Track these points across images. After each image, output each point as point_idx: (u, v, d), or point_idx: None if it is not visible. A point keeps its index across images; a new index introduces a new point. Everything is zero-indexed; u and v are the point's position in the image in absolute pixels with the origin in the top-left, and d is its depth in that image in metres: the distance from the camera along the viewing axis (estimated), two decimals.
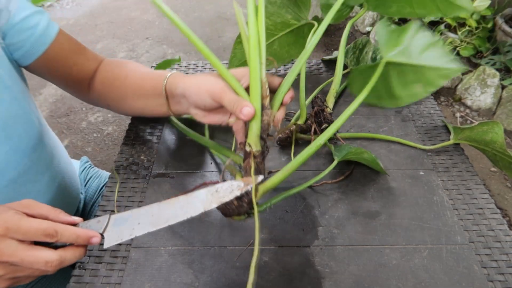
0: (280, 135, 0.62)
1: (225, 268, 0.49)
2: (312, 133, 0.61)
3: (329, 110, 0.63)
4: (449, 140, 0.65)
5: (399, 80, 0.54)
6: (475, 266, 0.49)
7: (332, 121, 0.62)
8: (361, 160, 0.59)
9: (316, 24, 0.69)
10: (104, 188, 0.62)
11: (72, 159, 0.77)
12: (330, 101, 0.65)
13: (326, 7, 0.68)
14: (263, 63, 0.43)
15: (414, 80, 0.54)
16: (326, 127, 0.61)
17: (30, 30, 0.50)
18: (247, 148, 0.44)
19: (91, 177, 0.78)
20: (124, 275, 0.48)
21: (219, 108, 0.46)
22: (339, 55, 0.67)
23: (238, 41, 0.69)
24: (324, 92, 0.69)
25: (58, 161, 0.61)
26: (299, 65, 0.46)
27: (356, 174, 0.61)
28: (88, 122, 1.84)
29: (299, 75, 0.62)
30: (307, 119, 0.63)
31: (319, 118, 0.62)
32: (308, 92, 0.68)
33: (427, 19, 1.98)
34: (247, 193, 0.42)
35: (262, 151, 0.44)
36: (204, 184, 0.43)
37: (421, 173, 0.61)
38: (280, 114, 0.45)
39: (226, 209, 0.42)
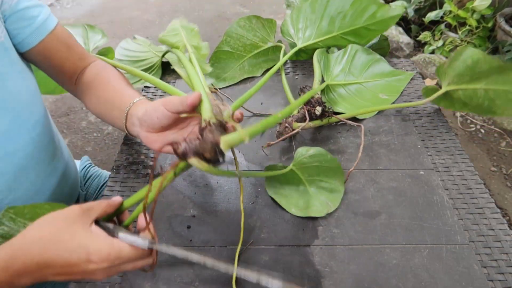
0: (278, 129, 0.62)
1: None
2: (307, 118, 0.63)
3: (317, 95, 0.66)
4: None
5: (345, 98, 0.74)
6: (475, 265, 0.49)
7: (323, 103, 0.65)
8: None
9: (283, 45, 0.82)
10: (104, 187, 0.62)
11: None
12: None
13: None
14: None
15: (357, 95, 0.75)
16: (322, 109, 0.65)
17: (30, 19, 0.53)
18: (202, 123, 0.41)
19: (91, 176, 0.78)
20: (124, 275, 0.48)
21: (172, 123, 0.46)
22: (315, 56, 0.77)
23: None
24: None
25: (56, 148, 0.62)
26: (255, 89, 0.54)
27: (356, 174, 0.61)
28: (88, 122, 1.84)
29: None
30: (299, 110, 0.65)
31: (311, 104, 0.64)
32: (292, 91, 0.71)
33: (427, 19, 1.97)
34: (211, 130, 0.39)
35: (220, 122, 0.42)
36: (169, 144, 0.41)
37: (421, 172, 0.61)
38: (237, 112, 0.45)
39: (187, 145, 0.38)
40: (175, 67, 0.75)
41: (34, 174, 0.55)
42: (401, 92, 0.76)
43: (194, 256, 0.37)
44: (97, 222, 0.39)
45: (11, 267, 0.34)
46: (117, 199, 0.42)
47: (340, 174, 0.58)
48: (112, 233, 0.38)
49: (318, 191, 0.57)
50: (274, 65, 0.82)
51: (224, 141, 0.38)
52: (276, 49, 0.84)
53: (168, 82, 0.82)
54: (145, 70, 0.82)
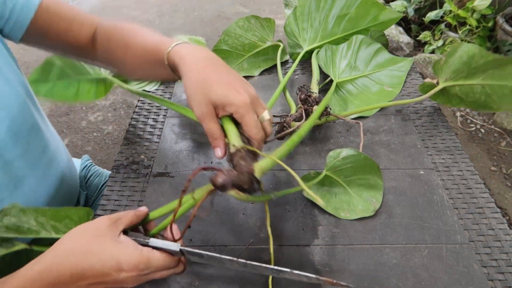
0: (277, 129, 0.62)
1: (225, 267, 0.49)
2: (304, 117, 0.62)
3: (315, 94, 0.65)
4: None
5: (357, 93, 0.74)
6: (475, 265, 0.49)
7: (321, 101, 0.65)
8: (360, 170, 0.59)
9: (281, 45, 0.82)
10: (104, 187, 0.62)
11: (73, 158, 0.77)
12: (314, 88, 0.69)
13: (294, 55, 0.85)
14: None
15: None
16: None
17: (13, 0, 0.50)
18: (232, 148, 0.42)
19: (92, 175, 0.78)
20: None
21: None
22: (313, 57, 0.77)
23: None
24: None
25: (54, 148, 0.61)
26: None
27: None
28: (88, 121, 1.84)
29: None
30: (297, 109, 0.65)
31: (308, 103, 0.64)
32: (290, 91, 0.71)
33: (427, 19, 1.97)
34: (249, 170, 0.40)
35: (247, 149, 0.42)
36: (202, 169, 0.41)
37: (421, 172, 0.61)
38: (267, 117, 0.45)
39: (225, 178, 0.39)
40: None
41: (33, 179, 0.55)
42: (403, 84, 0.77)
43: (226, 258, 0.39)
44: (125, 232, 0.40)
45: (45, 279, 0.35)
46: (143, 209, 0.43)
47: (377, 170, 0.57)
48: (141, 242, 0.39)
49: (359, 190, 0.56)
50: (274, 64, 0.83)
51: (258, 169, 0.40)
52: (275, 48, 0.84)
53: (168, 88, 0.82)
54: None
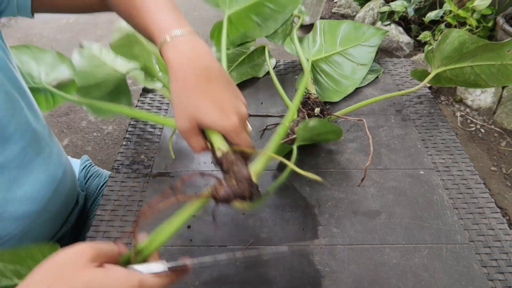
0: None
1: (225, 267, 0.49)
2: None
3: (313, 95, 0.65)
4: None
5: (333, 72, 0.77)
6: (475, 265, 0.49)
7: (321, 102, 0.65)
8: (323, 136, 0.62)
9: (266, 45, 0.82)
10: (104, 187, 0.62)
11: (72, 158, 0.77)
12: (311, 88, 0.69)
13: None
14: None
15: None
16: (320, 110, 0.64)
17: None
18: (218, 153, 0.39)
19: (91, 175, 0.78)
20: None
21: None
22: (298, 51, 0.76)
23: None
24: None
25: (51, 150, 0.60)
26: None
27: (356, 173, 0.61)
28: (88, 121, 1.83)
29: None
30: (298, 113, 0.65)
31: (309, 105, 0.64)
32: (287, 92, 0.70)
33: (427, 19, 1.97)
34: (245, 176, 0.37)
35: (234, 150, 0.40)
36: (201, 174, 0.39)
37: (421, 172, 0.61)
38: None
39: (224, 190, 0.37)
40: (144, 83, 0.66)
41: (28, 183, 0.54)
42: (404, 82, 0.79)
43: (222, 256, 0.36)
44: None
45: None
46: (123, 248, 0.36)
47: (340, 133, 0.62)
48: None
49: None
50: (261, 70, 0.83)
51: (253, 173, 0.38)
52: (260, 51, 0.83)
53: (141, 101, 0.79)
54: (112, 95, 0.67)
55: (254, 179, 0.38)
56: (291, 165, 0.38)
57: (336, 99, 0.74)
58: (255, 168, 0.39)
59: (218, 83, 0.40)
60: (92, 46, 0.67)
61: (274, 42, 0.80)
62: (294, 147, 0.54)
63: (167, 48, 0.40)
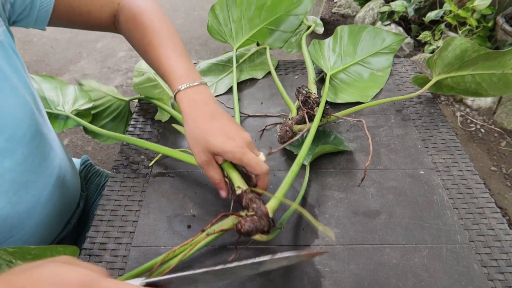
0: (279, 133, 0.62)
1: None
2: (307, 119, 0.62)
3: (314, 95, 0.65)
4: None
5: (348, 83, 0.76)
6: (475, 265, 0.49)
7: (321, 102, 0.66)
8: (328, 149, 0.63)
9: (267, 46, 0.83)
10: (104, 187, 0.62)
11: (72, 158, 0.77)
12: (312, 87, 0.69)
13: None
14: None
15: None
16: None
17: None
18: (238, 191, 0.46)
19: (91, 175, 0.78)
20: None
21: None
22: (304, 51, 0.77)
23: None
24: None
25: (56, 153, 0.61)
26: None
27: (356, 173, 0.61)
28: None
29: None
30: (297, 111, 0.65)
31: (309, 104, 0.64)
32: (287, 92, 0.71)
33: (427, 19, 1.97)
34: (263, 213, 0.44)
35: (251, 190, 0.47)
36: (225, 215, 0.43)
37: (421, 172, 0.61)
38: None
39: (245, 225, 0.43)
40: (161, 117, 0.72)
41: (34, 187, 0.54)
42: (405, 84, 0.78)
43: (198, 272, 0.35)
44: None
45: None
46: None
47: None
48: None
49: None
50: (261, 70, 0.83)
51: (270, 210, 0.45)
52: (261, 53, 0.84)
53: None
54: (114, 119, 0.81)
55: (271, 215, 0.44)
56: (307, 215, 0.43)
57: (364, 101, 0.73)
58: (271, 206, 0.46)
59: (222, 120, 0.49)
60: (89, 82, 0.81)
61: (287, 51, 0.83)
62: (307, 167, 0.59)
63: (181, 96, 0.51)
